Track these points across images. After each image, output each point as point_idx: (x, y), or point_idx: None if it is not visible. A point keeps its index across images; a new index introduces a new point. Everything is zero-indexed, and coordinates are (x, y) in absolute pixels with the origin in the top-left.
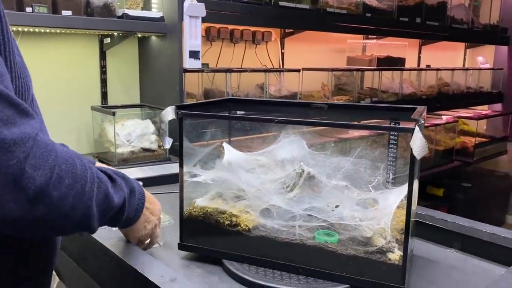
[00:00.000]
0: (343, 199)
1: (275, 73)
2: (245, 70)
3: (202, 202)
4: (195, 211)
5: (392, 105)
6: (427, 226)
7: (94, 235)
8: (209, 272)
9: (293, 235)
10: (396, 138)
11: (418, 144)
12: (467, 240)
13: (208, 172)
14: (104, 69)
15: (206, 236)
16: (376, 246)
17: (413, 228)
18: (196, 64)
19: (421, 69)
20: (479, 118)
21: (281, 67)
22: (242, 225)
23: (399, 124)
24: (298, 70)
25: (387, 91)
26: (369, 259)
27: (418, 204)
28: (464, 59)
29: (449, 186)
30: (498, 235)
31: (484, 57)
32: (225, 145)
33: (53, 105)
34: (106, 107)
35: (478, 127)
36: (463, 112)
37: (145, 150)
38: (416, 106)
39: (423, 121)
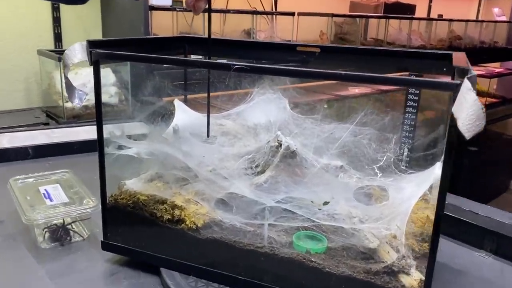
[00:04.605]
0: (337, 188)
1: (265, 16)
2: (228, 11)
3: (133, 185)
4: (122, 198)
5: (410, 49)
6: (449, 219)
7: None
8: (140, 286)
9: (261, 240)
10: (416, 98)
11: (469, 112)
12: (504, 241)
13: (143, 142)
14: (56, 5)
15: (138, 234)
16: (383, 262)
17: None
18: (165, 0)
19: (432, 19)
20: (491, 76)
21: (274, 11)
22: (188, 222)
23: (422, 77)
24: (293, 14)
25: (394, 42)
26: (371, 283)
27: None
28: (478, 10)
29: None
30: None
31: (501, 8)
32: (176, 102)
33: None
34: (55, 51)
35: (489, 87)
36: (474, 69)
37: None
38: (449, 52)
39: (475, 73)
